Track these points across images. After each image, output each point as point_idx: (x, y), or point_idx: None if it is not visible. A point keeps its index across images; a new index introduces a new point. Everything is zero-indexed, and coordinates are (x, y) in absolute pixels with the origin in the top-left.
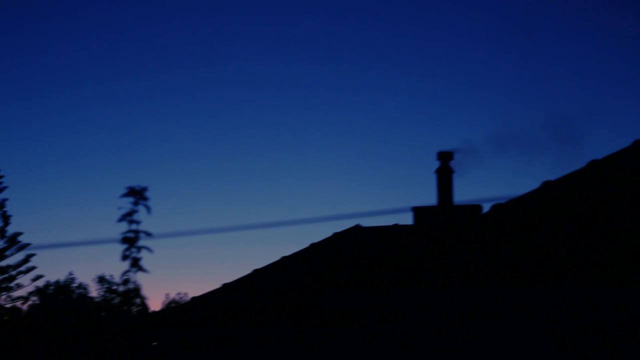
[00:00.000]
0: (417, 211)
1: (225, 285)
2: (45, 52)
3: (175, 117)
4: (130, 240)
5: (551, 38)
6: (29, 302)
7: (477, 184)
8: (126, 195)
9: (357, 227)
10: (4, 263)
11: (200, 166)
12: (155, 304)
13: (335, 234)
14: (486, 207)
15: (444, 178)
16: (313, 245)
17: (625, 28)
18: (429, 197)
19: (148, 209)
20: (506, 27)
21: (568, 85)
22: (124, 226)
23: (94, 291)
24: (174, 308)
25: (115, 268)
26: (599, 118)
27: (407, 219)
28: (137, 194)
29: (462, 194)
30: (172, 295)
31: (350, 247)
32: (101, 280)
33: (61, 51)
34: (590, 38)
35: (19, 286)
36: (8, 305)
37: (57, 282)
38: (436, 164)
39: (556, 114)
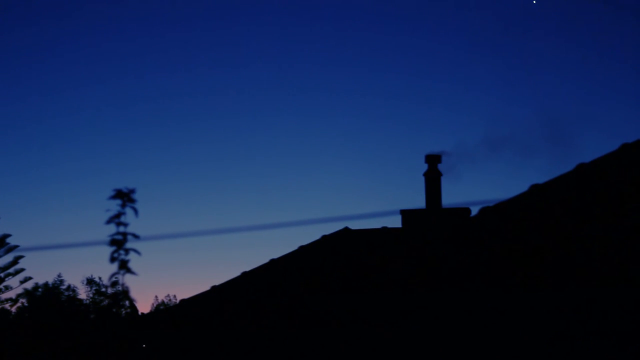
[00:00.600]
0: (406, 214)
1: (214, 288)
2: (35, 56)
3: (163, 120)
4: (119, 243)
5: (544, 40)
6: (18, 304)
7: (468, 186)
8: (114, 197)
9: (346, 230)
10: None
11: (189, 169)
12: (144, 307)
13: (324, 237)
14: (475, 210)
15: (433, 181)
16: (302, 248)
17: (618, 31)
18: (418, 200)
19: (136, 211)
20: (499, 29)
21: (561, 87)
22: (112, 228)
23: (83, 293)
24: (163, 310)
25: (103, 270)
26: (593, 120)
27: (395, 222)
28: (125, 197)
29: (452, 196)
30: (161, 297)
31: (339, 249)
32: (90, 282)
33: (51, 55)
34: (582, 41)
35: (7, 288)
36: None
37: (45, 284)
38: (425, 167)
39: (549, 116)
